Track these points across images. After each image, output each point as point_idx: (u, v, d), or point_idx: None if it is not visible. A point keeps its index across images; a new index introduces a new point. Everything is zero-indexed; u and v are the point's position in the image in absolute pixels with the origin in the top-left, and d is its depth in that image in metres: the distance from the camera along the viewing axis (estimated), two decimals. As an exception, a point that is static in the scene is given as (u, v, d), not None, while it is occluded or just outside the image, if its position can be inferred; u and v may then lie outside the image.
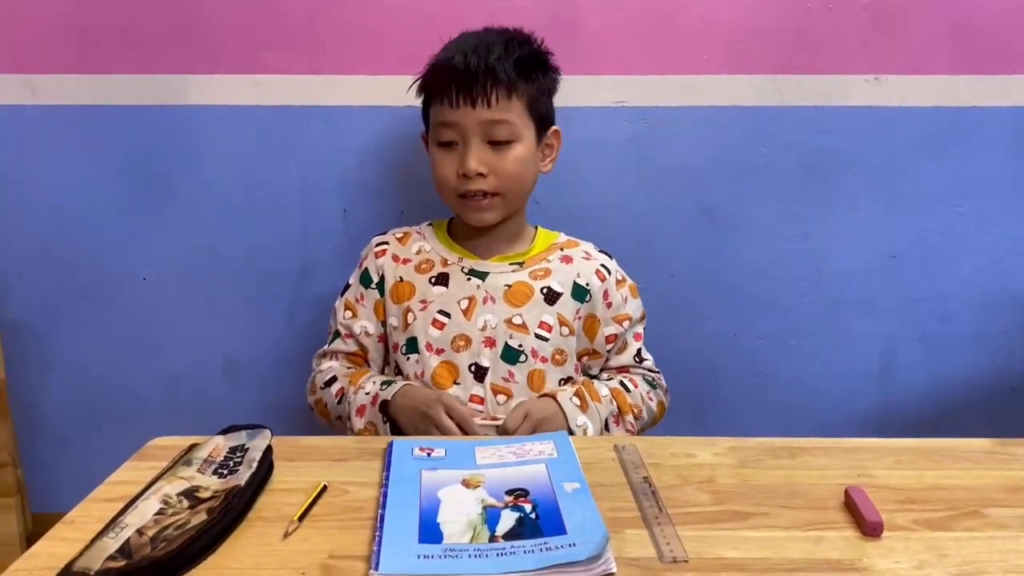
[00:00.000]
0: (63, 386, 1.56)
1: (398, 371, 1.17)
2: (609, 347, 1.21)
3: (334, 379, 1.18)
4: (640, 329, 1.25)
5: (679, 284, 1.51)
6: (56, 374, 1.56)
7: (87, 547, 0.66)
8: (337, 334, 1.21)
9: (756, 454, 0.88)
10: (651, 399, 1.21)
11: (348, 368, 1.21)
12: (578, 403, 1.10)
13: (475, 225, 1.17)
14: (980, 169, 1.46)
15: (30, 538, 1.52)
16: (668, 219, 1.48)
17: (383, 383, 1.11)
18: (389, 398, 1.08)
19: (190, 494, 0.75)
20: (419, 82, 1.18)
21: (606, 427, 1.12)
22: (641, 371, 1.24)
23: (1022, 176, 1.46)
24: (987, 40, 1.41)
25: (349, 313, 1.20)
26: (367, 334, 1.19)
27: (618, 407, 1.14)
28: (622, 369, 1.24)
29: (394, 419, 1.07)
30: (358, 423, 1.11)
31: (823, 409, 1.57)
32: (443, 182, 1.15)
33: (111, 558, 0.64)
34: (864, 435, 0.94)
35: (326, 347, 1.23)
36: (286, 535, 0.71)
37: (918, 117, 1.44)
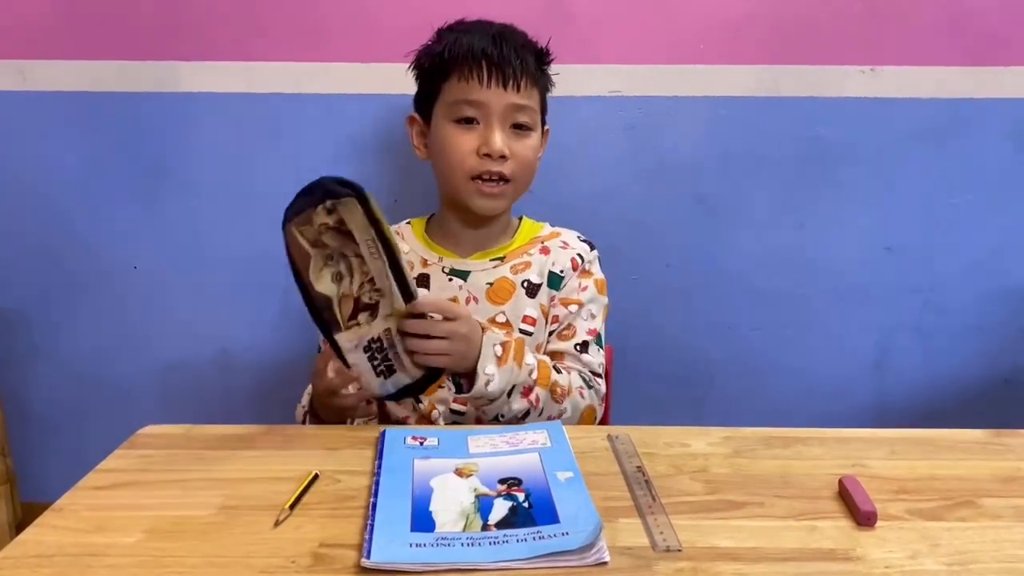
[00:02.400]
0: (53, 375, 1.55)
1: None
2: (551, 328, 1.14)
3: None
4: (596, 326, 1.16)
5: (674, 274, 1.51)
6: (46, 363, 1.55)
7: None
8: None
9: (750, 444, 0.88)
10: (582, 396, 1.08)
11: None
12: (500, 353, 0.99)
13: (480, 213, 1.12)
14: (976, 161, 1.46)
15: (19, 527, 1.52)
16: (664, 209, 1.48)
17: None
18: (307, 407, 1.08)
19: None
20: (432, 58, 1.12)
21: (509, 394, 0.99)
22: (578, 366, 1.12)
23: (1018, 168, 1.46)
24: (984, 32, 1.40)
25: None
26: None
27: (536, 380, 1.02)
28: (558, 359, 1.12)
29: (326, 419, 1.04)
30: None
31: (818, 400, 1.57)
32: (459, 160, 1.09)
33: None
34: (858, 426, 0.94)
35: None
36: (277, 523, 0.70)
37: (914, 108, 1.43)
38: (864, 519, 0.71)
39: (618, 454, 0.85)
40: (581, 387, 1.09)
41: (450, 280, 1.14)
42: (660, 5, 1.38)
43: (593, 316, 1.16)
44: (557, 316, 1.15)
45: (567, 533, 0.67)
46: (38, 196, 1.46)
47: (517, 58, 1.07)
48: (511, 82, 1.07)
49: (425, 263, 1.16)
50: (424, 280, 1.14)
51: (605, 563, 0.64)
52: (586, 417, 1.09)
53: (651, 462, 0.83)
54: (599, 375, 1.14)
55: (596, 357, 1.14)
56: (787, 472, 0.81)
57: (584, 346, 1.14)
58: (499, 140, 1.07)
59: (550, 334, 1.15)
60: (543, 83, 1.14)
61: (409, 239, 1.20)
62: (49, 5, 1.38)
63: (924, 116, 1.44)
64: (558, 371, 1.08)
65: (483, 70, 1.07)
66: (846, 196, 1.47)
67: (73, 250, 1.48)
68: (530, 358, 1.03)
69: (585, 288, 1.16)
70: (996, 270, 1.51)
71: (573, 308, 1.15)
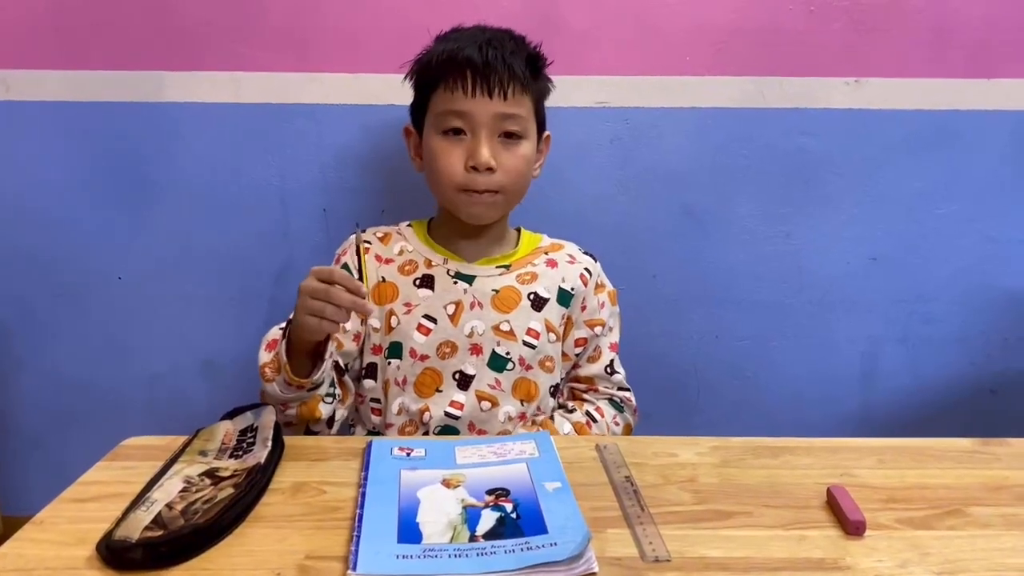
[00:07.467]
0: (37, 387, 1.53)
1: (371, 374, 1.13)
2: (578, 351, 1.19)
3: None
4: (616, 339, 1.23)
5: (661, 285, 1.51)
6: (29, 374, 1.53)
7: (121, 519, 0.68)
8: None
9: (738, 453, 0.88)
10: (617, 424, 1.18)
11: None
12: None
13: (470, 222, 1.12)
14: (961, 171, 1.47)
15: (1, 541, 1.49)
16: (650, 220, 1.48)
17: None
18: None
19: (211, 474, 0.77)
20: (421, 68, 1.12)
21: None
22: (610, 390, 1.20)
23: (1002, 178, 1.47)
24: (967, 44, 1.41)
25: None
26: (344, 330, 1.10)
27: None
28: (590, 384, 1.20)
29: (295, 333, 0.96)
30: (264, 356, 1.02)
31: (805, 410, 1.57)
32: (446, 173, 1.08)
33: (148, 528, 0.66)
34: (846, 435, 0.94)
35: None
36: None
37: (899, 120, 1.44)
38: (853, 528, 0.71)
39: (606, 464, 0.85)
40: (614, 416, 1.18)
41: (455, 283, 1.13)
42: (646, 17, 1.39)
43: (611, 329, 1.22)
44: (584, 339, 1.19)
45: (555, 544, 0.66)
46: (21, 206, 1.44)
47: (504, 65, 1.05)
48: (497, 90, 1.05)
49: (429, 263, 1.14)
50: (428, 281, 1.13)
51: (594, 574, 0.64)
52: (625, 434, 1.19)
53: (639, 472, 0.83)
54: (626, 388, 1.22)
55: (621, 371, 1.22)
56: (776, 482, 0.81)
57: (611, 365, 1.21)
58: (485, 153, 1.06)
59: (578, 356, 1.20)
60: (537, 89, 1.12)
61: (411, 239, 1.18)
62: (34, 14, 1.37)
63: (908, 127, 1.45)
64: (593, 419, 1.16)
65: (467, 80, 1.05)
66: (832, 207, 1.48)
67: (57, 260, 1.47)
68: (565, 426, 1.13)
69: (603, 305, 1.21)
70: (982, 280, 1.52)
71: (599, 330, 1.20)
